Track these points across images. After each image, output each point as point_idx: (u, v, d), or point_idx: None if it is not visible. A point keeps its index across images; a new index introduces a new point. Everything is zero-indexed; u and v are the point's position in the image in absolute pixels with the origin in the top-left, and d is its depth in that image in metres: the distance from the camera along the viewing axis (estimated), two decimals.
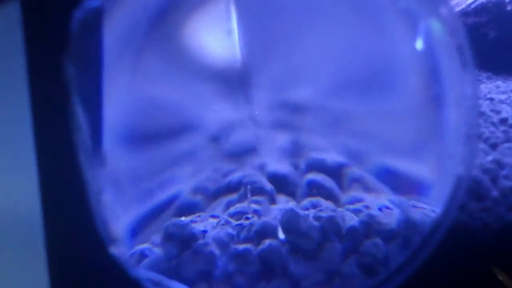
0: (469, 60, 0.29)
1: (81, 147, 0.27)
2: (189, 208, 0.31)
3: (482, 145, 0.35)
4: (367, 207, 0.29)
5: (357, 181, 0.31)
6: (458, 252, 0.28)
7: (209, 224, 0.29)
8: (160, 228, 0.29)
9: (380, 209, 0.29)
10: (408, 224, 0.27)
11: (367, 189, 0.31)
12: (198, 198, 0.31)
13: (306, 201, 0.29)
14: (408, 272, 0.27)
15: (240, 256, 0.27)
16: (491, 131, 0.36)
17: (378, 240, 0.27)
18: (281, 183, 0.31)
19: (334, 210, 0.28)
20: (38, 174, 0.28)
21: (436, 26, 0.30)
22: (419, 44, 0.30)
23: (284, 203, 0.30)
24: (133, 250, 0.29)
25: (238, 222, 0.29)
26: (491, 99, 0.39)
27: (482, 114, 0.37)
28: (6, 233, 0.36)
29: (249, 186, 0.30)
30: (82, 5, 0.26)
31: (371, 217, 0.28)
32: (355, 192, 0.30)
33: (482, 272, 0.29)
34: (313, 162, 0.31)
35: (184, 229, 0.27)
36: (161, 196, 0.31)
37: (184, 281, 0.27)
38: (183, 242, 0.27)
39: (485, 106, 0.38)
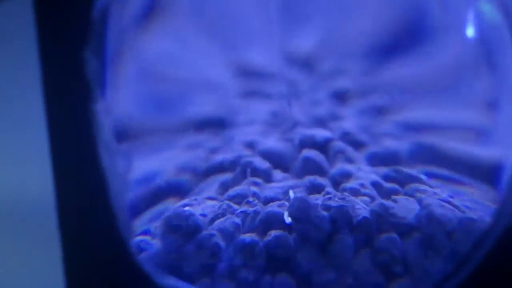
0: None
1: (102, 146, 0.26)
2: (176, 188, 0.29)
3: None
4: (363, 185, 0.28)
5: (341, 152, 0.30)
6: (498, 254, 0.26)
7: (208, 208, 0.28)
8: (144, 208, 0.29)
9: (373, 185, 0.29)
10: (429, 219, 0.26)
11: (349, 159, 0.30)
12: (185, 177, 0.30)
13: (304, 181, 0.29)
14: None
15: (247, 249, 0.25)
16: None
17: (393, 235, 0.26)
18: (275, 161, 0.30)
19: (343, 199, 0.26)
20: (52, 164, 0.28)
21: (486, 8, 0.30)
22: (470, 31, 0.29)
23: (282, 181, 0.29)
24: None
25: (240, 208, 0.27)
26: None
27: None
28: (20, 222, 0.36)
29: (249, 169, 0.29)
30: None
31: (385, 208, 0.26)
32: (341, 164, 0.30)
33: None
34: (304, 138, 0.30)
35: (188, 220, 0.26)
36: (138, 171, 0.30)
37: (185, 276, 0.25)
38: (186, 234, 0.26)
39: None
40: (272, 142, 0.31)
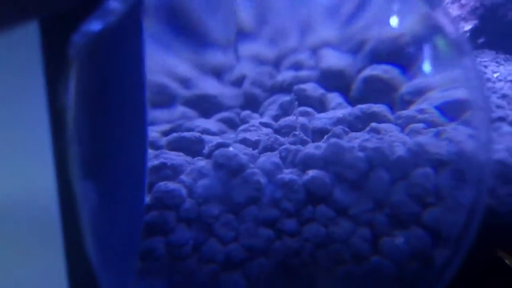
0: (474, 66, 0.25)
1: (73, 170, 0.27)
2: (252, 101, 0.32)
3: (508, 128, 0.31)
4: (421, 110, 0.28)
5: (430, 58, 0.29)
6: (485, 236, 0.27)
7: (261, 135, 0.30)
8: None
9: (437, 108, 0.28)
10: (460, 154, 0.26)
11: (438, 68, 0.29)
12: (258, 92, 0.32)
13: (356, 109, 0.29)
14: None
15: (286, 185, 0.27)
16: None
17: (428, 170, 0.26)
18: (336, 79, 0.30)
19: (380, 139, 0.27)
20: (55, 166, 0.29)
21: (441, 43, 0.26)
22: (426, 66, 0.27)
23: (336, 108, 0.30)
24: (192, 167, 0.31)
25: (285, 143, 0.29)
26: None
27: (505, 96, 0.33)
28: (24, 223, 0.36)
29: (296, 102, 0.30)
30: (81, 29, 0.24)
31: (420, 146, 0.27)
32: (421, 79, 0.29)
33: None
34: (377, 46, 0.29)
35: (232, 160, 0.28)
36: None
37: (235, 204, 0.29)
38: (232, 171, 0.28)
39: (507, 89, 0.33)
40: (335, 56, 0.30)
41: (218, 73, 0.32)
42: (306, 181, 0.27)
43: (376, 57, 0.29)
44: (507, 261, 0.29)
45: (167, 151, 0.30)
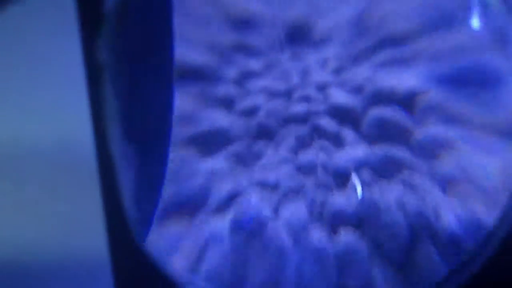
0: None
1: (112, 138, 0.26)
2: (264, 133, 0.29)
3: None
4: (463, 169, 0.24)
5: (435, 109, 0.24)
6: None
7: (280, 175, 0.27)
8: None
9: (475, 165, 0.24)
10: None
11: (448, 119, 0.25)
12: (270, 123, 0.29)
13: (377, 151, 0.25)
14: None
15: (315, 254, 0.23)
16: None
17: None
18: (345, 118, 0.27)
19: (422, 199, 0.23)
20: (91, 119, 0.28)
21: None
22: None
23: (352, 148, 0.27)
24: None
25: (309, 187, 0.26)
26: None
27: None
28: (61, 167, 0.38)
29: (315, 139, 0.27)
30: None
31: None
32: (433, 127, 0.25)
33: None
34: (380, 90, 0.27)
35: (252, 222, 0.25)
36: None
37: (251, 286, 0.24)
38: (251, 235, 0.25)
39: None
40: (342, 94, 0.28)
41: (225, 104, 0.30)
42: (339, 251, 0.23)
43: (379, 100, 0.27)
44: None
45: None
